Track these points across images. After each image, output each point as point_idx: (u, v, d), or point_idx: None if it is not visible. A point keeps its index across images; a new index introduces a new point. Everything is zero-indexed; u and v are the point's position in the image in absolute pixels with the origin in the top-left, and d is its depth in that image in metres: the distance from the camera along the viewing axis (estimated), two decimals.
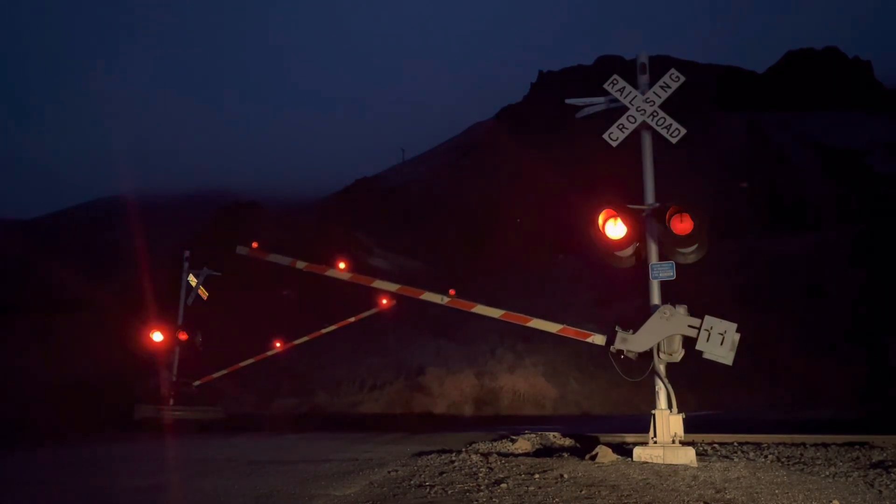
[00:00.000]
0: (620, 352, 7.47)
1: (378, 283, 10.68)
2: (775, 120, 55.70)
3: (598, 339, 7.90)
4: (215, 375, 17.25)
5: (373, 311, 20.39)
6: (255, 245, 12.23)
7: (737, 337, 7.06)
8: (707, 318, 7.15)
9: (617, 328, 7.51)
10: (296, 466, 7.58)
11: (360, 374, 26.17)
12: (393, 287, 10.64)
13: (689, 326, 7.21)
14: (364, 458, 8.15)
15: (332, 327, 19.85)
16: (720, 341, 7.06)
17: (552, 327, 8.53)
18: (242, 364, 18.15)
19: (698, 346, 7.10)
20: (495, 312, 9.10)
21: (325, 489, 6.06)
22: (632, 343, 7.39)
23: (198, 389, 16.64)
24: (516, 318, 8.98)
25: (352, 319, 20.38)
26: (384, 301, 19.84)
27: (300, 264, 10.75)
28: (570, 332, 8.28)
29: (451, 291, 9.52)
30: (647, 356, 7.43)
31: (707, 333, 7.08)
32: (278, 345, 18.99)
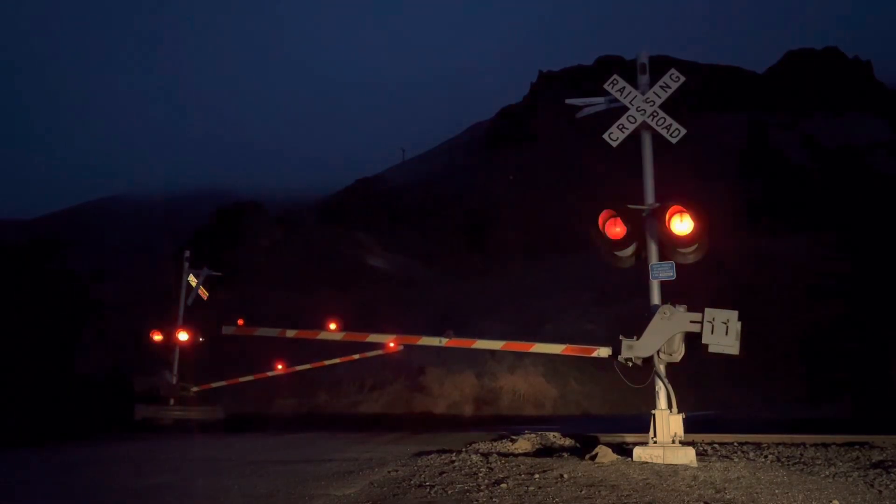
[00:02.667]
0: (628, 360, 7.45)
1: (372, 337, 10.68)
2: (775, 120, 55.69)
3: (604, 352, 7.91)
4: (213, 385, 17.21)
5: (378, 352, 20.58)
6: (240, 322, 12.15)
7: (739, 325, 7.05)
8: (707, 310, 7.15)
9: (621, 337, 7.46)
10: (296, 466, 7.58)
11: (361, 374, 26.15)
12: (390, 337, 10.66)
13: (692, 322, 7.20)
14: (364, 458, 8.15)
15: (336, 360, 20.07)
16: (724, 331, 7.04)
17: (555, 348, 8.56)
18: (242, 379, 18.15)
19: (704, 340, 7.07)
20: (496, 344, 9.15)
21: (325, 489, 6.06)
22: (638, 349, 7.36)
23: (196, 395, 16.60)
24: (518, 346, 9.03)
25: (356, 356, 20.69)
26: (391, 344, 19.91)
27: (290, 333, 10.56)
28: (575, 350, 8.30)
29: (449, 331, 9.47)
30: (648, 358, 7.43)
31: (710, 325, 7.07)
32: (280, 367, 19.06)
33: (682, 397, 7.45)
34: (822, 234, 35.48)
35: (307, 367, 19.39)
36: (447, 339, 9.11)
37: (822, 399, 21.11)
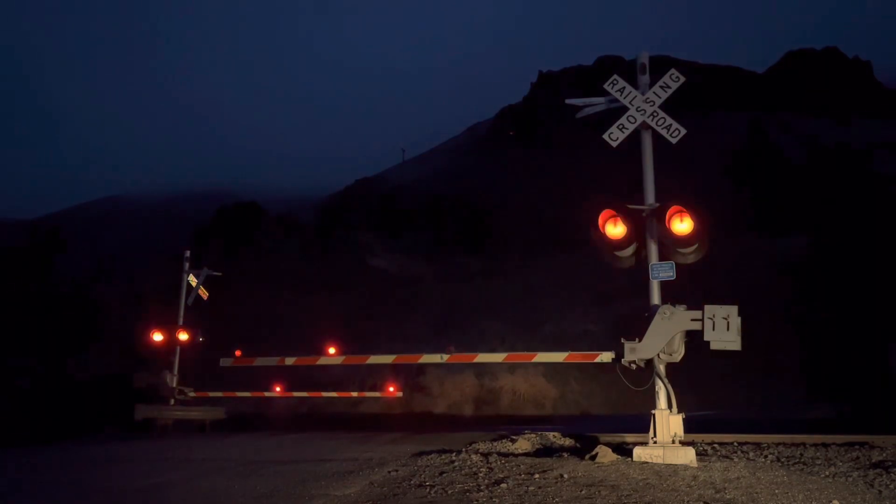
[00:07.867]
0: (632, 363, 7.43)
1: (373, 359, 10.72)
2: (775, 120, 55.73)
3: (606, 357, 7.90)
4: (211, 395, 17.19)
5: (377, 394, 20.96)
6: (238, 353, 12.15)
7: (739, 320, 7.04)
8: (707, 306, 7.13)
9: (623, 339, 7.44)
10: (296, 466, 7.58)
11: (361, 374, 26.15)
12: (389, 359, 10.71)
13: (692, 320, 7.19)
14: (364, 458, 8.15)
15: (333, 394, 20.59)
16: (725, 327, 7.03)
17: (557, 357, 8.59)
18: (240, 394, 18.17)
19: (706, 337, 7.04)
20: (498, 357, 9.23)
21: (325, 489, 6.06)
22: (640, 351, 7.33)
23: (194, 400, 16.56)
24: (520, 357, 9.09)
25: (354, 394, 21.19)
26: (391, 388, 20.24)
27: (289, 360, 10.58)
28: (577, 357, 8.32)
29: (450, 347, 9.51)
30: (650, 360, 7.40)
31: (711, 322, 7.05)
32: (278, 389, 19.14)
33: (682, 397, 7.44)
34: (821, 233, 35.47)
35: (304, 394, 19.65)
36: (448, 356, 9.16)
37: (822, 399, 21.10)
